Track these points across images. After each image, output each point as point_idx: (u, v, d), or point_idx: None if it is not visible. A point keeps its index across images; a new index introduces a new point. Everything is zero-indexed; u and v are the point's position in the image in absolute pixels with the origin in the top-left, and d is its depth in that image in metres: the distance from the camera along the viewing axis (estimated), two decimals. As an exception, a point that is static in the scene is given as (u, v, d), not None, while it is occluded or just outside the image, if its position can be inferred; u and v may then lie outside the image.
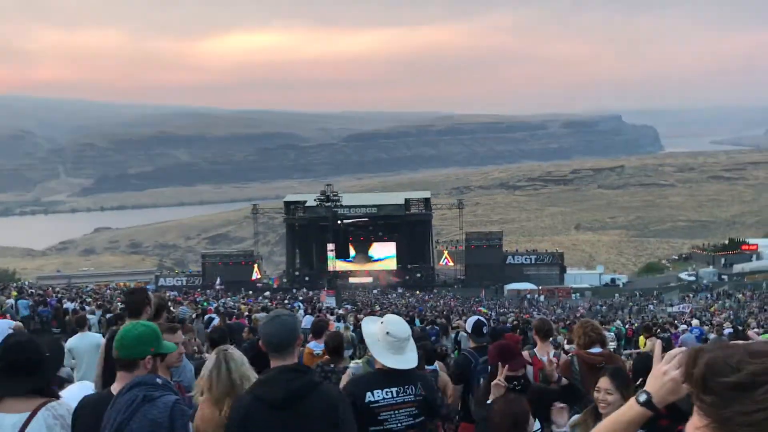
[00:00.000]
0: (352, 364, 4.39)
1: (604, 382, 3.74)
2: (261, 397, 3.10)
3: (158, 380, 3.04)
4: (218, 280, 62.38)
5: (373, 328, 3.93)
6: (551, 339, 6.46)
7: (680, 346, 14.45)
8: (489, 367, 4.80)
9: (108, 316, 16.07)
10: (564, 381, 5.11)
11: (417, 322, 20.05)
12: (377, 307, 41.14)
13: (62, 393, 3.83)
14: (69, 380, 8.78)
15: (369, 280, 72.55)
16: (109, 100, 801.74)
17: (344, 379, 4.44)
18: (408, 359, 3.81)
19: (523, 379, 4.66)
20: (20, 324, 9.67)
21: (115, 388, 3.21)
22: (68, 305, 20.69)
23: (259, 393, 3.13)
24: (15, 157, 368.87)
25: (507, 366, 4.37)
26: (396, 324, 3.88)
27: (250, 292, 54.99)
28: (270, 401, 3.09)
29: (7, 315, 14.38)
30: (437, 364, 6.95)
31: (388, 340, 3.78)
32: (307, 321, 17.44)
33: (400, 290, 66.70)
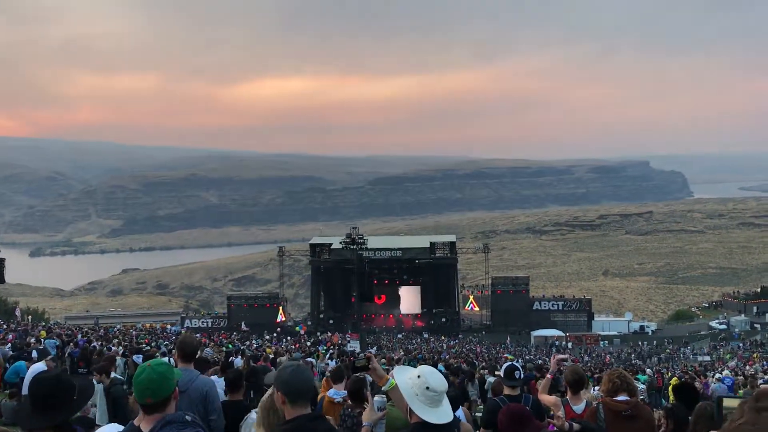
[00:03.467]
0: (377, 398, 4.31)
1: None
2: None
3: (187, 417, 3.10)
4: (243, 324, 62.90)
5: (407, 379, 3.80)
6: (583, 390, 6.39)
7: (711, 396, 14.12)
8: None
9: (136, 357, 16.20)
10: (576, 426, 5.06)
11: (441, 367, 19.87)
12: (401, 351, 40.79)
13: None
14: (94, 421, 8.87)
15: (393, 323, 72.11)
16: (140, 143, 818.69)
17: (367, 413, 4.37)
18: (446, 412, 3.75)
19: None
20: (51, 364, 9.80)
21: (144, 426, 3.27)
22: (96, 345, 20.90)
23: None
24: (48, 198, 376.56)
25: None
26: (435, 378, 3.76)
27: (274, 334, 54.91)
28: None
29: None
30: (462, 410, 6.89)
31: (428, 394, 3.68)
32: (332, 366, 17.40)
33: (425, 335, 66.12)
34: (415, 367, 3.99)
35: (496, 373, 16.79)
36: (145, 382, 3.35)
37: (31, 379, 3.27)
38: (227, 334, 53.41)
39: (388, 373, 4.34)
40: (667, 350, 57.52)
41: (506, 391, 6.47)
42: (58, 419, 3.14)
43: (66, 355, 17.97)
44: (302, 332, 67.36)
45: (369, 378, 6.03)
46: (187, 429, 3.01)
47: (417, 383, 3.72)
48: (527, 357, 45.01)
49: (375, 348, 44.11)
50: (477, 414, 9.93)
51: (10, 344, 20.58)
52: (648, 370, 28.71)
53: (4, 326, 36.30)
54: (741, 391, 17.00)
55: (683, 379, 17.61)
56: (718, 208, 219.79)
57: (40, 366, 11.10)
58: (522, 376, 6.69)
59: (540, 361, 34.03)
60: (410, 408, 3.75)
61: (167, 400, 3.31)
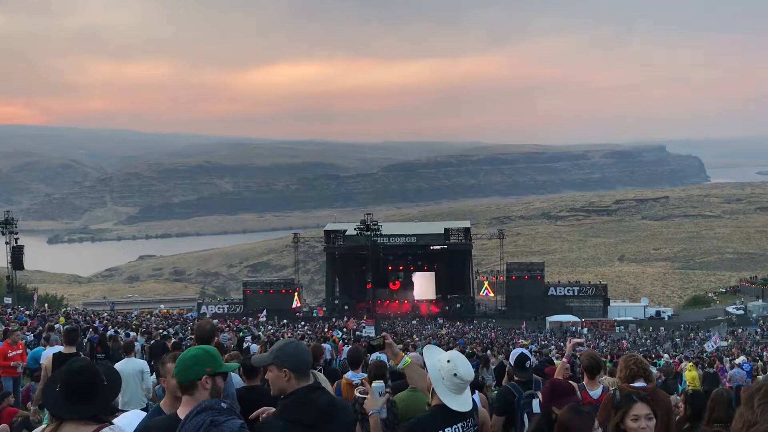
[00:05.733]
0: (375, 383, 4.32)
1: (640, 408, 3.69)
2: (295, 420, 3.29)
3: (223, 405, 3.14)
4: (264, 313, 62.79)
5: (437, 362, 3.83)
6: (599, 375, 6.36)
7: (729, 382, 14.03)
8: (540, 407, 4.77)
9: (152, 342, 16.35)
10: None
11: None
12: (416, 337, 40.88)
13: (115, 420, 3.95)
14: (115, 407, 8.96)
15: (408, 309, 72.24)
16: (155, 131, 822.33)
17: (369, 400, 4.39)
18: (467, 400, 3.81)
19: None
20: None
21: (182, 411, 3.34)
22: (112, 331, 21.11)
23: (291, 416, 3.31)
24: (64, 186, 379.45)
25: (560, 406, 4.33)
26: (465, 366, 3.80)
27: (285, 321, 55.33)
28: (304, 422, 3.29)
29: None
30: (478, 395, 6.88)
31: (454, 381, 3.72)
32: (346, 351, 17.46)
33: (439, 320, 66.22)
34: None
35: (506, 360, 16.78)
36: (178, 362, 3.50)
37: (64, 368, 3.30)
38: (240, 319, 53.79)
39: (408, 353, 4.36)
40: (691, 334, 57.27)
41: (516, 377, 6.44)
42: (93, 408, 3.18)
43: (86, 340, 18.17)
44: (318, 314, 67.88)
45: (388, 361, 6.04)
46: (222, 416, 3.05)
47: (445, 368, 3.75)
48: (543, 343, 44.96)
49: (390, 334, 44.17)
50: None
51: (29, 331, 20.83)
52: (665, 356, 28.61)
53: (27, 312, 36.78)
54: (760, 377, 16.88)
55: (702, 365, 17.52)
56: (735, 193, 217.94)
57: (57, 348, 11.24)
58: (531, 365, 6.64)
59: (552, 347, 33.90)
60: (433, 389, 3.81)
61: (192, 385, 3.38)
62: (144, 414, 4.22)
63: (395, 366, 4.62)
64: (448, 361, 3.79)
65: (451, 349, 21.59)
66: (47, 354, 9.89)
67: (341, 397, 6.26)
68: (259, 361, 3.74)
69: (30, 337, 18.54)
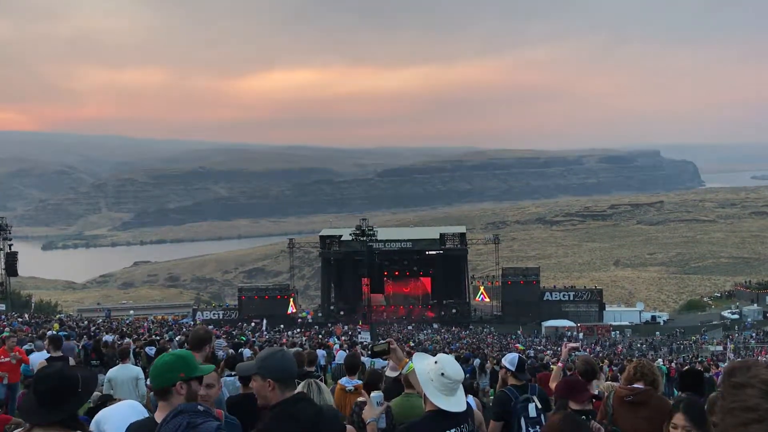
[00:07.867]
0: (374, 393, 4.32)
1: (679, 419, 3.69)
2: None
3: (200, 407, 3.11)
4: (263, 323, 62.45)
5: (425, 365, 3.83)
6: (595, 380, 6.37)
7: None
8: (555, 402, 4.86)
9: (149, 349, 16.30)
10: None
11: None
12: (411, 343, 40.88)
13: (110, 408, 3.96)
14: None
15: (404, 314, 72.17)
16: (150, 137, 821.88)
17: (368, 410, 4.38)
18: (460, 401, 3.77)
19: (590, 415, 4.69)
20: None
21: (158, 416, 3.31)
22: (107, 338, 21.04)
23: (276, 429, 3.30)
24: (59, 192, 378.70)
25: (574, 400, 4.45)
26: (451, 365, 3.78)
27: (282, 326, 55.26)
28: None
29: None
30: (473, 399, 6.86)
31: (443, 381, 3.70)
32: (339, 357, 17.40)
33: (435, 326, 66.16)
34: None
35: (502, 364, 16.72)
36: (152, 369, 3.50)
37: (35, 373, 3.29)
38: (231, 326, 53.61)
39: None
40: (694, 337, 57.33)
41: (511, 381, 6.42)
42: (63, 414, 3.14)
43: (81, 347, 18.12)
44: (309, 317, 67.84)
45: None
46: (199, 418, 3.02)
47: (433, 369, 3.74)
48: (538, 348, 44.96)
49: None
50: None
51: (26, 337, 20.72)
52: (659, 360, 28.61)
53: (19, 318, 36.63)
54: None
55: (691, 366, 17.54)
56: (729, 197, 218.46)
57: (45, 354, 11.17)
58: (528, 367, 6.70)
59: (548, 352, 33.87)
60: (425, 394, 3.77)
61: (167, 391, 3.36)
62: (138, 405, 4.21)
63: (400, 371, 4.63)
64: (435, 362, 3.78)
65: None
66: (38, 360, 9.85)
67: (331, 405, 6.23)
68: (244, 370, 3.72)
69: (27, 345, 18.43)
